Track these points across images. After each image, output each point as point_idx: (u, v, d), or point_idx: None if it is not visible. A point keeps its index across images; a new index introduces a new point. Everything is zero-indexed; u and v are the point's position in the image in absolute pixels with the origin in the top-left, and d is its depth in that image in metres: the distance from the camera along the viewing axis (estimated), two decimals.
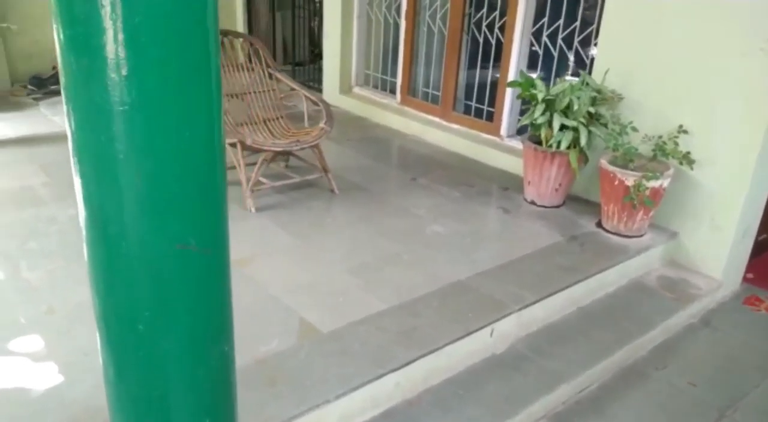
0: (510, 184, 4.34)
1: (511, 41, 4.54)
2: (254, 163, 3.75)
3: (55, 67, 6.16)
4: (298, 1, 6.77)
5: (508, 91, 4.63)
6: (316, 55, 7.43)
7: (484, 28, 4.82)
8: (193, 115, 1.24)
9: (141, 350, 1.37)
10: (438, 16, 5.18)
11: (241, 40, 4.12)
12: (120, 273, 1.32)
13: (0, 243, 3.16)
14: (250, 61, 4.14)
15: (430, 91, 5.44)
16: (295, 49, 6.93)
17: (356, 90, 6.10)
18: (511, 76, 4.59)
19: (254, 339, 2.53)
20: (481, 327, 2.71)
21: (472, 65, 5.11)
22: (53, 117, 5.30)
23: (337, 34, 5.91)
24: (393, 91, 5.80)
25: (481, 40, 4.89)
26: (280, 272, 3.06)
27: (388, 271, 3.11)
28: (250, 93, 4.11)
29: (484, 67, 4.95)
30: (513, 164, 4.53)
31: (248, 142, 3.53)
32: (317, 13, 7.08)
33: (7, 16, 5.79)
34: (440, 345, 2.55)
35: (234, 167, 3.76)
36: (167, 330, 1.37)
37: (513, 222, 3.79)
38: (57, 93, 5.96)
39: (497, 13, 4.71)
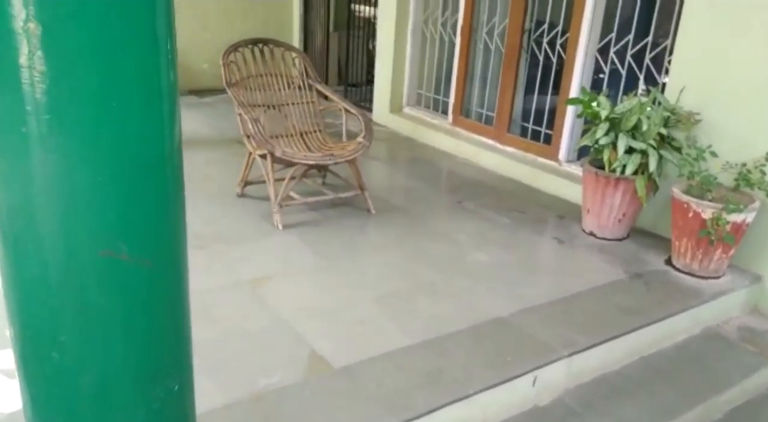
0: (567, 213, 3.91)
1: (573, 58, 4.15)
2: (293, 177, 3.48)
3: None
4: (355, 21, 6.61)
5: (569, 111, 4.23)
6: (372, 77, 7.23)
7: (544, 44, 4.46)
8: (126, 106, 0.97)
9: (56, 385, 1.07)
10: (496, 32, 4.86)
11: (282, 49, 3.91)
12: (28, 285, 1.03)
13: None
14: (291, 72, 3.92)
15: (484, 111, 5.09)
16: (349, 70, 6.74)
17: (407, 110, 5.82)
18: (573, 95, 4.19)
19: (255, 369, 2.21)
20: (522, 374, 2.29)
21: (530, 84, 4.74)
22: None
23: (389, 52, 5.67)
24: (445, 112, 5.48)
25: (540, 58, 4.52)
26: (298, 294, 2.75)
27: (419, 302, 2.74)
28: (288, 104, 3.87)
29: (544, 86, 4.57)
30: (571, 192, 4.10)
31: (278, 153, 3.27)
32: (375, 34, 6.89)
33: None
34: (470, 393, 2.15)
35: (262, 181, 3.51)
36: (89, 360, 1.06)
37: (567, 254, 3.36)
38: None
39: (559, 28, 4.35)
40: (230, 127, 5.37)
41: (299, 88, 3.91)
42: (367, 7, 6.65)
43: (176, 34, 1.07)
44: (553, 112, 4.43)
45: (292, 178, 3.45)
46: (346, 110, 3.79)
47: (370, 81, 7.28)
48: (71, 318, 1.05)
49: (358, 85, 6.92)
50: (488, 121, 5.05)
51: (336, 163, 3.46)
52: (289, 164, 3.41)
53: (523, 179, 4.49)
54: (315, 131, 3.90)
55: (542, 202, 4.11)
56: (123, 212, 1.02)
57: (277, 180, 3.50)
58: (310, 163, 3.36)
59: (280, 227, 3.38)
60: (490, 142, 4.91)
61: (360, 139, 3.55)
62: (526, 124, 4.74)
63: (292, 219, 3.50)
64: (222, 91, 3.89)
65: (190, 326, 1.27)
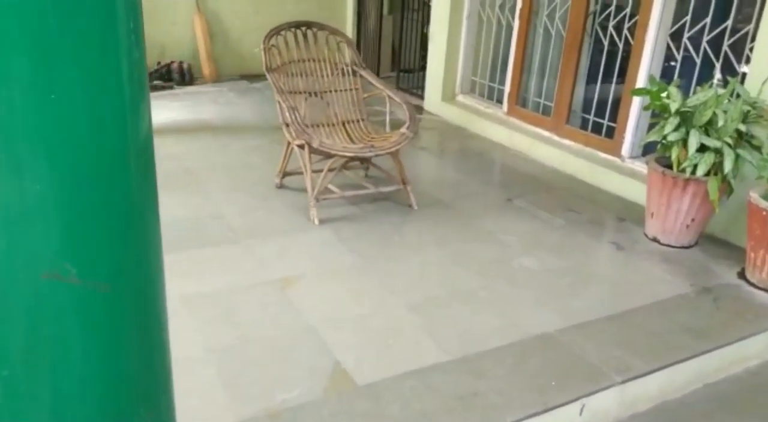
0: (628, 215, 3.58)
1: (642, 43, 3.79)
2: (331, 169, 3.30)
3: (159, 63, 6.15)
4: (410, 3, 6.34)
5: (635, 102, 3.88)
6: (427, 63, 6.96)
7: (610, 28, 4.10)
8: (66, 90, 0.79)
9: None
10: (557, 15, 4.51)
11: (326, 33, 3.72)
12: None
13: None
14: (335, 57, 3.73)
15: (541, 101, 4.77)
16: (402, 55, 6.49)
17: (460, 98, 5.54)
18: (640, 85, 3.83)
19: (273, 382, 2.05)
20: (568, 402, 2.05)
21: (592, 72, 4.39)
22: None
23: (443, 37, 5.39)
24: (500, 101, 5.18)
25: (605, 43, 4.16)
26: (328, 297, 2.57)
27: (457, 310, 2.52)
28: (330, 91, 3.69)
29: (608, 74, 4.21)
30: (634, 192, 3.76)
31: (315, 144, 3.09)
32: (431, 17, 6.60)
33: None
34: None
35: (302, 172, 3.34)
36: (37, 399, 0.91)
37: (627, 262, 3.05)
38: (159, 88, 5.92)
39: (628, 11, 3.98)
40: (277, 113, 5.25)
41: (343, 74, 3.71)
42: None
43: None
44: (617, 103, 4.08)
45: (331, 170, 3.27)
46: (390, 98, 3.57)
47: (424, 67, 7.02)
48: (15, 351, 0.89)
49: (412, 70, 6.66)
50: (546, 111, 4.72)
51: (377, 155, 3.25)
52: (328, 155, 3.23)
53: (581, 175, 4.16)
54: (358, 120, 3.70)
55: (601, 201, 3.79)
56: (68, 227, 0.85)
57: (315, 171, 3.33)
58: (349, 154, 3.16)
59: (316, 222, 3.21)
60: (547, 134, 4.60)
61: (403, 129, 3.33)
62: (586, 116, 4.40)
63: (329, 214, 3.32)
64: None
65: (169, 359, 1.10)
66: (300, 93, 3.60)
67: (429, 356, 2.22)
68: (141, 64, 0.88)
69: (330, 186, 3.37)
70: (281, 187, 3.67)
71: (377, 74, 6.66)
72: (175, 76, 6.10)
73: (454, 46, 5.40)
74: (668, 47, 3.78)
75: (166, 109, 5.28)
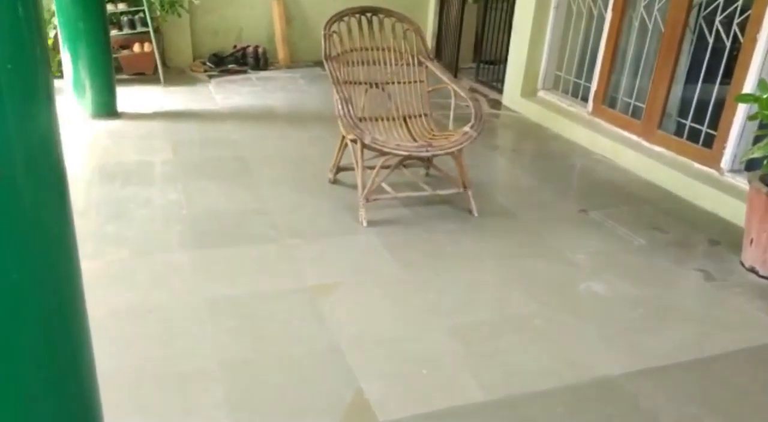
0: (723, 238, 3.11)
1: (753, 42, 3.27)
2: (386, 167, 3.04)
3: (236, 46, 6.09)
4: None
5: (740, 109, 3.37)
6: None
7: (717, 23, 3.59)
8: None
9: None
10: (656, 7, 4.02)
11: (393, 20, 3.45)
12: None
13: (78, 222, 2.85)
14: (400, 46, 3.45)
15: (632, 101, 4.29)
16: (485, 45, 6.12)
17: (541, 94, 5.13)
18: (747, 90, 3.32)
19: (284, 409, 1.83)
20: None
21: (693, 72, 3.89)
22: (216, 95, 5.15)
23: (527, 27, 4.99)
24: (585, 99, 4.73)
25: (710, 40, 3.65)
26: (362, 313, 2.33)
27: (506, 341, 2.21)
28: (393, 83, 3.42)
29: (710, 75, 3.70)
30: (733, 210, 3.28)
31: (366, 140, 2.84)
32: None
33: None
34: None
35: (354, 168, 3.11)
36: None
37: (717, 296, 2.62)
38: (233, 72, 5.87)
39: (739, 4, 3.45)
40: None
41: (407, 65, 3.43)
42: None
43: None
44: (718, 108, 3.57)
45: (384, 167, 3.01)
46: (456, 93, 3.26)
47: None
48: None
49: (495, 62, 6.27)
50: (636, 113, 4.25)
51: (434, 156, 2.96)
52: (381, 152, 2.97)
53: (672, 188, 3.69)
54: (420, 115, 3.42)
55: (692, 219, 3.33)
56: None
57: (370, 167, 3.09)
58: (403, 153, 2.89)
59: (365, 223, 2.97)
60: (636, 138, 4.13)
61: (467, 128, 3.02)
62: (682, 120, 3.90)
63: (380, 216, 3.08)
64: None
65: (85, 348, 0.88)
66: (360, 83, 3.36)
67: (466, 393, 1.93)
68: (32, 62, 0.66)
69: (384, 184, 3.12)
70: (334, 182, 3.46)
71: (456, 65, 6.33)
72: (250, 60, 6.03)
73: (539, 37, 4.99)
74: None
75: (235, 94, 5.20)
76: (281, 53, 6.16)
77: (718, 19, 3.58)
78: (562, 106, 4.85)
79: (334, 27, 3.30)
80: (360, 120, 3.28)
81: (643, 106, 4.18)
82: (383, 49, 3.43)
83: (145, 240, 2.71)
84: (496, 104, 5.45)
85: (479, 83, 6.11)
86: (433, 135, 3.28)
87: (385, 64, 3.42)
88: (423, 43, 3.46)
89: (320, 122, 4.55)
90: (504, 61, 6.41)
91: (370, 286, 2.50)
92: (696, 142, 3.76)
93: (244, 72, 5.93)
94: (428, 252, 2.80)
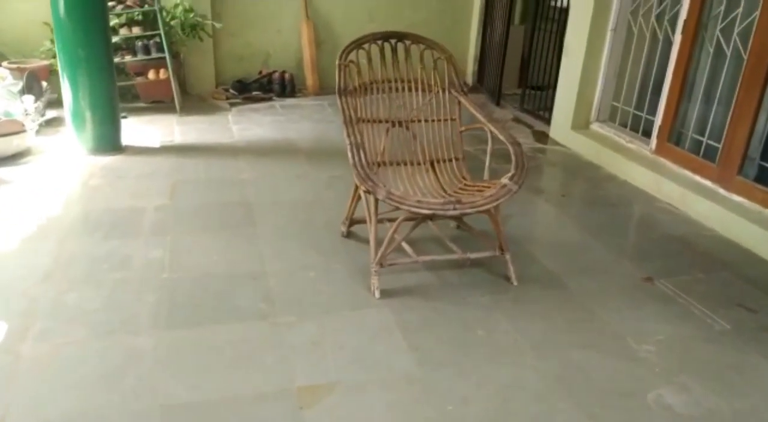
0: None
1: None
2: (409, 219, 2.50)
3: (261, 72, 5.71)
4: (545, 12, 5.39)
5: None
6: None
7: None
8: None
9: None
10: (736, 30, 3.40)
11: (422, 47, 2.94)
12: None
13: (38, 287, 2.42)
14: (429, 78, 2.95)
15: (704, 139, 3.65)
16: (531, 70, 5.55)
17: (595, 126, 4.52)
18: None
19: None
20: None
21: None
22: (234, 126, 4.74)
23: (580, 51, 4.41)
24: (647, 134, 4.12)
25: None
26: None
27: None
28: (419, 120, 2.91)
29: None
30: None
31: (380, 196, 2.33)
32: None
33: (220, 14, 5.45)
34: None
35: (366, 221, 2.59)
36: None
37: None
38: (257, 99, 5.47)
39: None
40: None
41: (437, 99, 2.92)
42: None
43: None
44: None
45: (408, 219, 2.46)
46: (492, 134, 2.72)
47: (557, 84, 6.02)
48: None
49: (543, 88, 5.69)
50: (709, 153, 3.61)
51: (463, 214, 2.41)
52: (397, 208, 2.45)
53: (756, 248, 3.04)
54: (451, 159, 2.89)
55: None
56: None
57: (389, 220, 2.57)
58: (424, 211, 2.36)
59: (377, 294, 2.45)
60: (710, 184, 3.49)
61: (505, 180, 2.46)
62: (767, 165, 3.24)
63: (397, 283, 2.55)
64: None
65: None
66: (381, 122, 2.86)
67: None
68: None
69: (403, 243, 2.59)
70: (347, 235, 2.96)
71: (499, 91, 5.78)
72: (276, 86, 5.63)
73: (594, 62, 4.40)
74: None
75: (254, 125, 4.78)
76: (310, 80, 5.74)
77: None
78: (619, 142, 4.24)
79: (352, 56, 2.81)
80: (379, 165, 2.78)
81: (719, 145, 3.54)
82: (409, 81, 2.92)
83: (108, 316, 2.24)
84: (543, 137, 4.87)
85: (524, 112, 5.54)
86: (465, 185, 2.74)
87: (410, 98, 2.91)
88: (456, 74, 2.94)
89: (343, 158, 4.01)
90: (552, 87, 5.85)
91: (375, 390, 1.96)
92: None
93: (269, 99, 5.52)
94: (453, 337, 2.24)
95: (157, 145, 4.18)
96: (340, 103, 2.70)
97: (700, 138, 3.69)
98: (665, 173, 3.73)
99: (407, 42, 2.94)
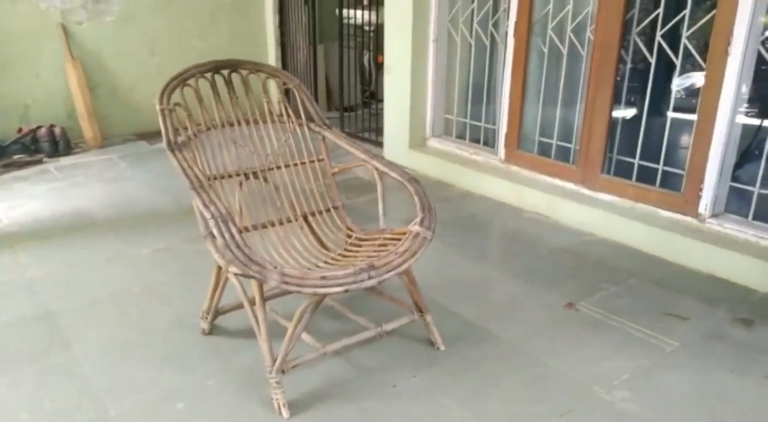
0: (751, 312, 2.37)
1: (724, 55, 2.62)
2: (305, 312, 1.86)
3: (21, 130, 4.52)
4: (348, 30, 5.03)
5: (718, 131, 2.70)
6: (371, 96, 5.68)
7: (658, 37, 2.93)
8: None
9: None
10: (569, 27, 3.32)
11: (264, 76, 2.32)
12: None
13: None
14: (280, 113, 2.33)
15: (553, 141, 3.53)
16: (343, 91, 5.16)
17: (433, 142, 4.26)
18: (723, 115, 2.67)
19: None
20: None
21: (633, 98, 3.22)
22: None
23: (404, 66, 4.11)
24: (490, 143, 3.94)
25: (653, 59, 2.98)
26: None
27: None
28: (277, 167, 2.28)
29: (660, 101, 3.04)
30: (734, 266, 2.58)
31: (273, 282, 1.66)
32: (370, 44, 5.34)
33: None
34: None
35: (242, 306, 1.89)
36: None
37: None
38: (21, 165, 4.29)
39: (687, 12, 2.82)
40: (197, 217, 3.76)
41: (294, 139, 2.32)
42: (360, 12, 5.10)
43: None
44: (675, 139, 2.90)
45: (311, 309, 1.82)
46: (379, 171, 2.21)
47: (366, 103, 5.73)
48: None
49: (354, 108, 5.35)
50: (563, 155, 3.50)
51: (381, 281, 1.84)
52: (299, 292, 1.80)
53: (644, 246, 2.94)
54: (328, 209, 2.30)
55: (696, 289, 2.58)
56: None
57: (274, 297, 1.89)
58: (334, 290, 1.74)
59: (285, 413, 1.78)
60: (574, 187, 3.36)
61: (415, 227, 1.95)
62: (629, 160, 3.19)
63: (302, 387, 1.90)
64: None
65: None
66: (230, 176, 2.17)
67: None
68: None
69: (304, 335, 1.93)
70: (211, 332, 2.21)
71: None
72: (45, 145, 4.49)
73: (420, 77, 4.13)
74: (761, 57, 2.63)
75: (27, 199, 3.67)
76: (88, 131, 4.69)
77: (659, 33, 2.91)
78: (463, 155, 4.01)
79: (176, 97, 2.09)
80: (240, 231, 2.09)
81: (570, 146, 3.45)
82: (256, 121, 2.27)
83: None
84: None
85: (348, 136, 5.10)
86: (357, 239, 2.18)
87: (262, 141, 2.27)
88: (311, 105, 2.37)
89: (162, 223, 3.23)
90: (363, 106, 5.55)
91: None
92: (652, 183, 3.06)
93: (39, 162, 4.38)
94: None
95: None
96: (175, 160, 1.96)
97: (548, 140, 3.57)
98: (523, 182, 3.55)
99: (243, 72, 2.30)
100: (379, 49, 5.10)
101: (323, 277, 1.72)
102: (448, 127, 4.25)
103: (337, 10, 4.96)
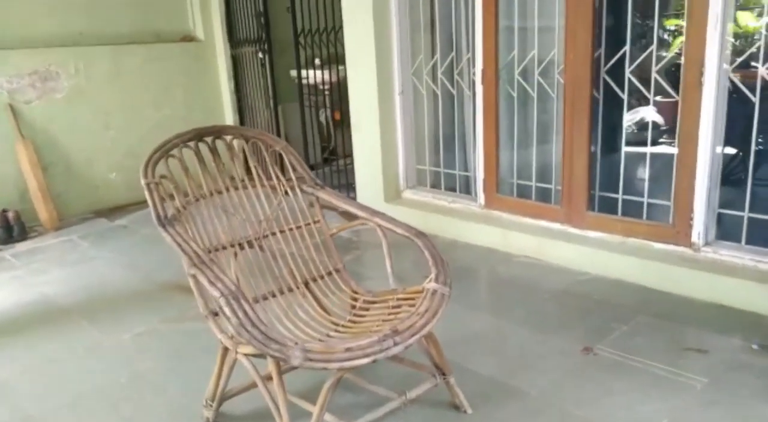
0: (759, 333, 2.35)
1: (698, 85, 2.68)
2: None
3: None
4: (306, 89, 5.01)
5: (701, 161, 2.73)
6: (331, 153, 5.64)
7: (627, 74, 2.98)
8: None
9: None
10: (536, 71, 3.36)
11: (250, 140, 2.21)
12: None
13: None
14: (269, 176, 2.22)
15: (533, 184, 3.53)
16: (308, 150, 5.09)
17: (408, 194, 4.20)
18: (704, 144, 2.71)
19: None
20: None
21: (609, 137, 3.26)
22: None
23: (372, 121, 4.07)
24: (468, 190, 3.91)
25: (624, 95, 3.03)
26: None
27: None
28: (272, 234, 2.15)
29: (637, 136, 3.07)
30: (737, 292, 2.58)
31: (296, 361, 1.51)
32: (326, 102, 5.33)
33: None
34: None
35: (248, 389, 1.72)
36: None
37: None
38: None
39: (653, 47, 2.89)
40: (160, 262, 3.57)
41: (287, 203, 2.20)
42: (313, 72, 5.07)
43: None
44: (656, 169, 2.93)
45: (334, 386, 1.67)
46: (383, 228, 2.11)
47: (327, 160, 5.68)
48: None
49: (315, 166, 5.29)
50: (544, 196, 3.49)
51: (408, 346, 1.72)
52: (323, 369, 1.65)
53: (642, 280, 2.91)
54: (330, 272, 2.18)
55: (704, 319, 2.55)
56: None
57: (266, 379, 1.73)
58: (361, 362, 1.60)
59: None
60: (560, 227, 3.34)
61: (431, 284, 1.86)
62: (612, 195, 3.20)
63: None
64: (141, 205, 2.12)
65: None
66: (223, 248, 2.03)
67: None
68: None
69: (326, 416, 1.77)
70: (216, 420, 2.01)
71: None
72: None
73: (389, 131, 4.10)
74: (731, 85, 2.70)
75: None
76: (43, 212, 4.43)
77: (627, 70, 2.97)
78: (441, 204, 3.96)
79: (161, 169, 1.96)
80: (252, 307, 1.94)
81: (551, 186, 3.45)
82: (245, 186, 2.16)
83: None
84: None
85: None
86: (366, 302, 2.06)
87: (253, 208, 2.14)
88: (300, 166, 2.27)
89: (138, 303, 3.02)
90: (324, 163, 5.52)
91: None
92: (639, 216, 3.06)
93: None
94: None
95: None
96: (168, 237, 1.81)
97: (527, 183, 3.57)
98: (508, 226, 3.51)
99: (227, 137, 2.19)
100: (335, 106, 5.10)
101: (348, 349, 1.59)
102: (421, 177, 4.21)
103: (292, 72, 4.93)
